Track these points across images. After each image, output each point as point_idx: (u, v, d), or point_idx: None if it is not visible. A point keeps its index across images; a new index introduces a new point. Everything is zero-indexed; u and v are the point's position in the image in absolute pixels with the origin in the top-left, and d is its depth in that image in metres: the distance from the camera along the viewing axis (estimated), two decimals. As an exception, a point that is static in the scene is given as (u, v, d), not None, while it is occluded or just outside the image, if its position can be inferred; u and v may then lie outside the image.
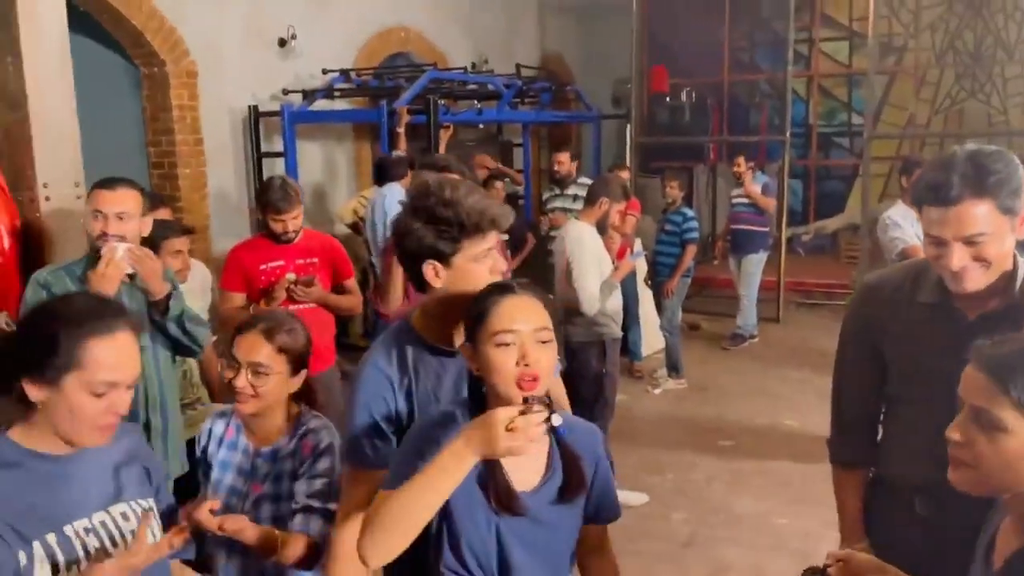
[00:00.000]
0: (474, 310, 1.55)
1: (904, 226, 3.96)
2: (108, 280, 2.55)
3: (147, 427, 2.72)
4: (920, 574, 1.45)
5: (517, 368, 1.48)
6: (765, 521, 4.14)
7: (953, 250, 1.62)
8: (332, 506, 1.92)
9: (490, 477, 1.54)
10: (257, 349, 1.97)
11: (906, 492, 1.81)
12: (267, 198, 3.52)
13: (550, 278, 4.48)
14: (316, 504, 1.94)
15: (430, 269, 1.72)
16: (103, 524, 1.52)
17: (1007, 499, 1.29)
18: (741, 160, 7.19)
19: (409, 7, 7.99)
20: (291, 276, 3.49)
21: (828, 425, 2.04)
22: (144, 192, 2.78)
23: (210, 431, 2.15)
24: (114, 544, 1.52)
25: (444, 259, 1.71)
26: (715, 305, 8.32)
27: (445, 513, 1.55)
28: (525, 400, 1.44)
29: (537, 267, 7.43)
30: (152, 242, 3.33)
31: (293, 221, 3.54)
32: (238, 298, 3.58)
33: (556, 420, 1.49)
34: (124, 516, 1.55)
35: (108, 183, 2.70)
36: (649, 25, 10.48)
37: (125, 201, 2.65)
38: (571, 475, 1.60)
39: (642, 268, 6.48)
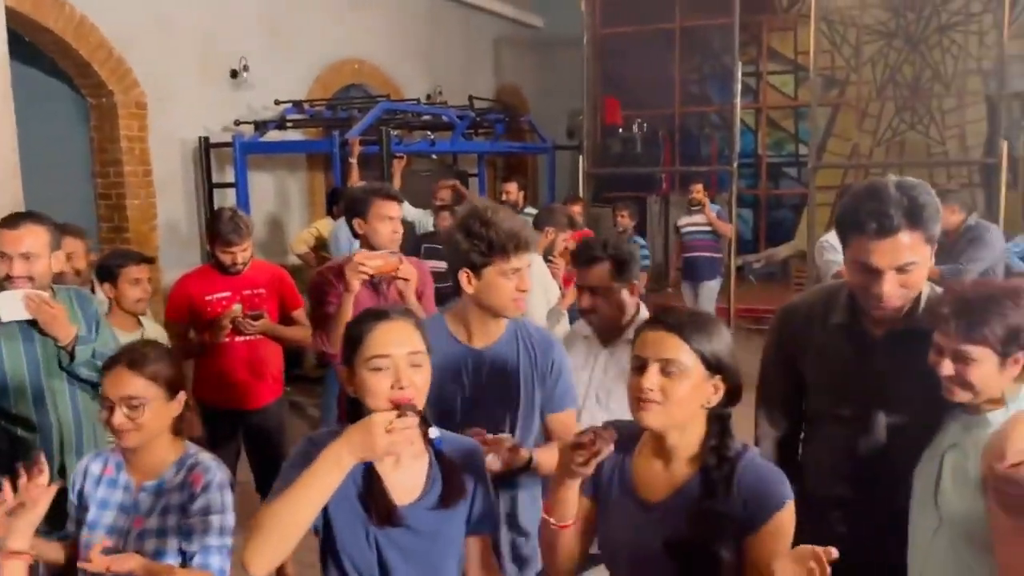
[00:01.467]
0: (350, 335, 1.62)
1: (840, 249, 4.08)
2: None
3: (62, 471, 2.51)
4: None
5: (392, 391, 1.55)
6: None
7: (886, 278, 1.70)
8: (229, 541, 1.90)
9: (369, 492, 1.60)
10: (126, 383, 1.88)
11: (823, 509, 1.87)
12: (217, 230, 3.49)
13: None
14: (215, 542, 1.88)
15: (464, 276, 2.01)
16: None
17: (651, 433, 1.60)
18: (700, 187, 7.24)
19: (363, 40, 8.04)
20: (238, 308, 3.47)
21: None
22: (54, 225, 2.61)
23: (86, 471, 2.02)
24: None
25: (475, 270, 1.99)
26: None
27: (327, 528, 1.62)
28: (398, 407, 1.52)
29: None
30: (109, 270, 3.29)
31: (242, 253, 3.51)
32: (182, 329, 3.54)
33: (433, 432, 1.62)
34: None
35: (10, 221, 2.52)
36: (602, 58, 10.65)
37: (28, 240, 2.48)
38: (449, 483, 1.67)
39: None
